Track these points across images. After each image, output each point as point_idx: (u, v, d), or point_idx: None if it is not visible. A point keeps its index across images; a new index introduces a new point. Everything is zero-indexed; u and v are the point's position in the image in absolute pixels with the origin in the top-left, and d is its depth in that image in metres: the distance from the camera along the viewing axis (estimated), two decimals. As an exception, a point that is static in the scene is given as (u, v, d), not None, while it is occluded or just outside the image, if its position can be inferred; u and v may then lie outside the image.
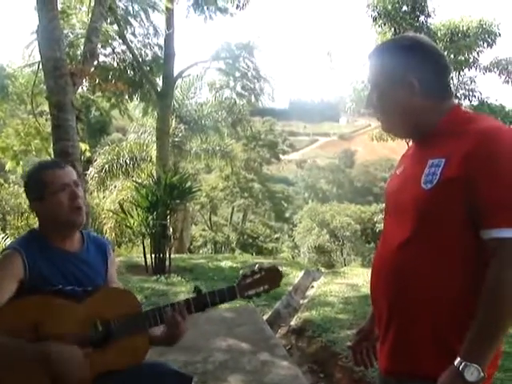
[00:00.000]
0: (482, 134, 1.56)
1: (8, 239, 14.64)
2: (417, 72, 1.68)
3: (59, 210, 2.25)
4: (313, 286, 8.40)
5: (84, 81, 8.68)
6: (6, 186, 20.37)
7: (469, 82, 17.65)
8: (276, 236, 34.35)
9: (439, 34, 16.09)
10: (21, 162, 15.40)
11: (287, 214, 38.99)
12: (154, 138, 18.24)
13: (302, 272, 9.23)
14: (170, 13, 15.76)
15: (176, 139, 19.30)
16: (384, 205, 1.96)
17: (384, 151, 61.19)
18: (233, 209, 34.81)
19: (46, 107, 13.57)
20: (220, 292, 2.32)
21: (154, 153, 18.15)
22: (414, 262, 1.63)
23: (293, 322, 6.20)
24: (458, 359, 1.49)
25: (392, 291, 1.70)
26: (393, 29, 14.81)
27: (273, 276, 2.40)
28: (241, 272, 2.41)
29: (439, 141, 1.66)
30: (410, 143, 1.94)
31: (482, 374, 1.47)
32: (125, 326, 2.18)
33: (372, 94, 1.80)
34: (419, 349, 1.63)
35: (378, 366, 1.87)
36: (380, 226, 27.52)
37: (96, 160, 18.86)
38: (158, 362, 2.46)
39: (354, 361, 2.15)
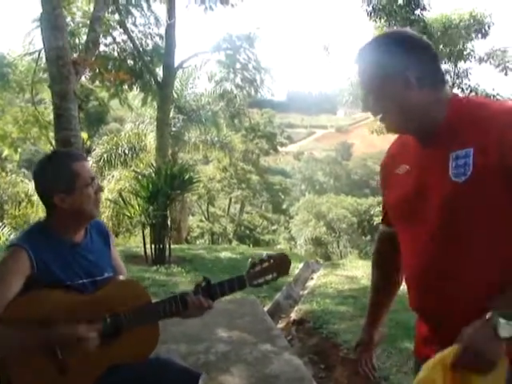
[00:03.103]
0: (509, 114, 1.52)
1: (5, 228, 14.68)
2: (409, 65, 1.62)
3: (87, 203, 2.22)
4: (312, 278, 8.44)
5: (86, 70, 8.66)
6: (4, 174, 20.31)
7: (464, 74, 17.75)
8: (273, 228, 34.40)
9: (434, 27, 16.14)
10: (19, 150, 15.43)
11: (284, 206, 38.99)
12: (152, 128, 18.23)
13: (302, 264, 9.26)
14: (171, 3, 15.71)
15: (174, 129, 19.28)
16: (389, 210, 1.89)
17: (381, 144, 61.04)
18: (230, 200, 34.79)
19: (45, 96, 13.58)
20: (229, 282, 2.31)
21: (152, 143, 18.14)
22: (463, 260, 1.56)
23: (293, 314, 6.23)
24: (492, 313, 1.43)
25: (445, 299, 1.61)
26: (388, 23, 14.81)
27: (282, 263, 2.38)
28: (249, 261, 2.37)
29: (452, 132, 1.60)
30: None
31: None
32: (134, 319, 2.17)
33: (368, 98, 1.74)
34: None
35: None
36: (377, 219, 27.56)
37: (94, 150, 18.85)
38: (166, 357, 2.44)
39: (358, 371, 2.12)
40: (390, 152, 1.93)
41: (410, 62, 1.62)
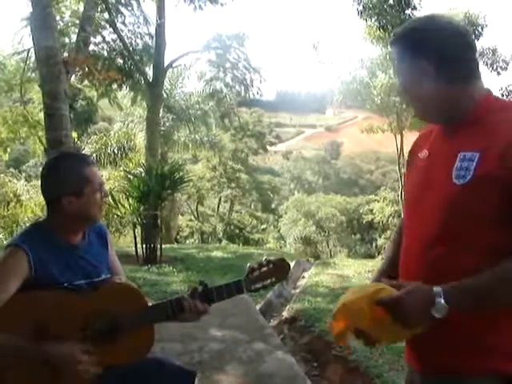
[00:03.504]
0: None
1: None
2: (429, 54, 1.57)
3: (93, 207, 2.25)
4: (304, 277, 8.47)
5: (76, 70, 8.64)
6: (-8, 175, 20.19)
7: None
8: (262, 227, 34.40)
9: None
10: (8, 150, 15.35)
11: (273, 205, 39.04)
12: (142, 128, 18.19)
13: (293, 262, 9.28)
14: (160, 2, 15.69)
15: (163, 128, 19.25)
16: (403, 192, 1.88)
17: (370, 143, 61.47)
18: (220, 199, 34.78)
19: (34, 95, 13.53)
20: (227, 286, 2.29)
21: (141, 142, 18.10)
22: (446, 260, 1.54)
23: (285, 313, 6.25)
24: (439, 289, 1.44)
25: None
26: (379, 22, 14.85)
27: (281, 268, 2.35)
28: (248, 265, 2.35)
29: (471, 131, 1.56)
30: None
31: (444, 315, 1.43)
32: (130, 321, 2.18)
33: (398, 82, 1.75)
34: (458, 347, 1.55)
35: (411, 365, 1.75)
36: (367, 218, 27.72)
37: (83, 149, 18.76)
38: (162, 357, 2.46)
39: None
40: (420, 134, 1.90)
41: (432, 51, 1.57)
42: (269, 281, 2.34)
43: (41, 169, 2.48)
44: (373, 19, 15.18)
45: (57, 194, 2.23)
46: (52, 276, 2.16)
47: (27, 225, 2.65)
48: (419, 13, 15.46)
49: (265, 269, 2.32)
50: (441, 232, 1.56)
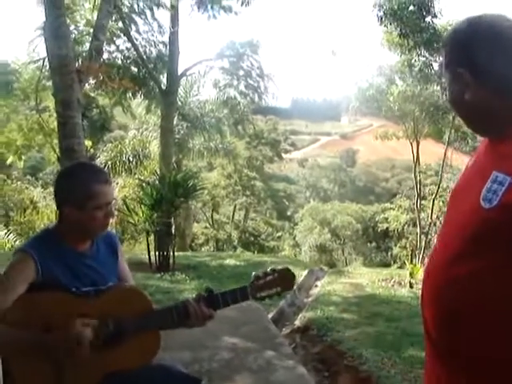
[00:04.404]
0: None
1: (11, 235, 14.73)
2: (468, 61, 1.44)
3: (93, 224, 2.25)
4: (317, 285, 8.42)
5: (90, 78, 8.69)
6: (9, 182, 20.41)
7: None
8: (278, 234, 34.35)
9: (445, 35, 16.03)
10: (23, 157, 15.51)
11: (289, 213, 38.96)
12: (156, 135, 18.26)
13: (306, 271, 9.24)
14: (174, 10, 15.77)
15: (178, 136, 19.32)
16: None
17: (386, 151, 61.16)
18: (235, 207, 34.77)
19: (49, 103, 13.63)
20: (232, 293, 2.29)
21: (156, 150, 18.17)
22: (463, 283, 1.40)
23: (297, 321, 6.21)
24: None
25: (437, 316, 1.48)
26: (399, 28, 14.79)
27: (286, 278, 2.35)
28: (253, 273, 2.35)
29: (509, 151, 1.39)
30: None
31: None
32: (136, 326, 2.17)
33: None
34: None
35: None
36: (382, 226, 27.55)
37: (99, 157, 18.87)
38: (167, 363, 2.44)
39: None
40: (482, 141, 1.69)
41: (474, 56, 1.43)
42: (274, 290, 2.34)
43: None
44: (393, 25, 15.12)
45: (60, 201, 2.28)
46: (58, 281, 2.18)
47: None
48: (440, 21, 15.42)
49: (270, 278, 2.33)
50: (461, 251, 1.42)
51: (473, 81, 1.44)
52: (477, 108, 1.46)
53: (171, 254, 9.15)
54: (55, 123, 7.91)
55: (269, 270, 2.35)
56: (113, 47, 15.68)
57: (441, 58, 1.60)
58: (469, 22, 1.51)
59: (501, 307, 1.34)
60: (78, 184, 2.24)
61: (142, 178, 13.90)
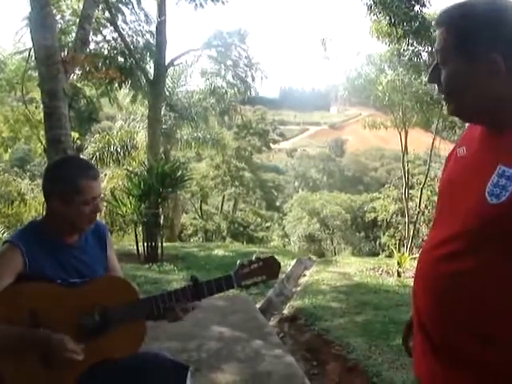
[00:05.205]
0: None
1: (-2, 227, 14.62)
2: (504, 47, 1.30)
3: (79, 218, 2.25)
4: (305, 275, 8.45)
5: (76, 68, 8.61)
6: (-4, 174, 20.25)
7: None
8: (267, 225, 34.36)
9: (434, 23, 16.00)
10: (9, 149, 15.39)
11: (278, 203, 38.96)
12: (144, 126, 18.17)
13: (294, 260, 9.26)
14: (161, 0, 15.65)
15: (165, 127, 19.24)
16: (437, 190, 1.63)
17: (375, 140, 61.40)
18: (223, 197, 34.77)
19: (35, 94, 13.51)
20: (217, 281, 2.30)
21: (143, 141, 18.09)
22: (463, 277, 1.34)
23: (285, 311, 6.23)
24: None
25: (434, 314, 1.43)
26: (388, 17, 14.75)
27: (271, 266, 2.37)
28: (238, 262, 2.37)
29: None
30: None
31: None
32: (122, 314, 2.18)
33: (439, 70, 1.42)
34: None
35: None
36: (370, 216, 27.60)
37: (86, 148, 18.75)
38: (154, 351, 2.45)
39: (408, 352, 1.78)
40: (466, 131, 1.61)
41: (500, 41, 1.30)
42: (259, 278, 2.36)
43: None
44: (382, 14, 15.08)
45: (48, 195, 2.29)
46: (45, 273, 2.18)
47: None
48: (428, 10, 15.42)
49: (255, 266, 2.35)
50: (461, 247, 1.36)
51: (504, 69, 1.30)
52: (501, 100, 1.34)
53: (159, 244, 9.15)
54: (42, 114, 7.84)
55: (254, 258, 2.37)
56: (99, 37, 15.55)
57: (437, 44, 1.44)
58: (493, 3, 1.35)
59: (499, 302, 1.30)
60: (66, 178, 2.24)
61: (131, 168, 13.81)
